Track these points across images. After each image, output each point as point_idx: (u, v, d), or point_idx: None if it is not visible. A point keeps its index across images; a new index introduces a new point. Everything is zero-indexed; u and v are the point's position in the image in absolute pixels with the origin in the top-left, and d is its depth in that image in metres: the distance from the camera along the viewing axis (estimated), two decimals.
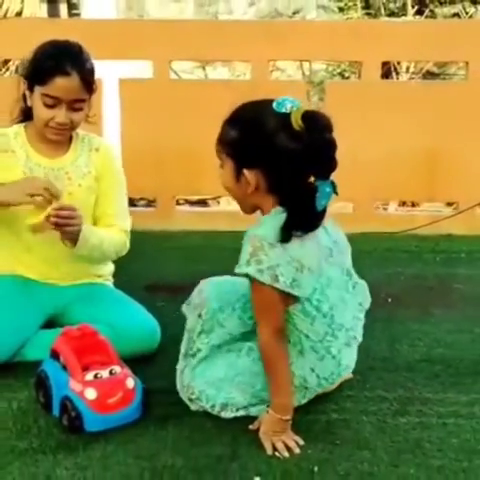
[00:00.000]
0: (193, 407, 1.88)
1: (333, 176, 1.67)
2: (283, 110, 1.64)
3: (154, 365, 2.17)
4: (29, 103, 2.18)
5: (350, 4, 7.98)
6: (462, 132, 3.88)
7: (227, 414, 1.85)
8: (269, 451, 1.71)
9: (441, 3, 7.75)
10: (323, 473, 1.64)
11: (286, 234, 1.65)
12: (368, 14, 7.94)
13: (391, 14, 7.83)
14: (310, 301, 1.73)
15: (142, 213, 4.12)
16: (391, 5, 7.90)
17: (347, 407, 1.96)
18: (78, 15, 7.66)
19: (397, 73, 6.94)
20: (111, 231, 2.30)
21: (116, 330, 2.10)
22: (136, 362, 2.04)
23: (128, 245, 2.38)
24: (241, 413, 1.85)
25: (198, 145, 3.82)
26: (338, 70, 7.69)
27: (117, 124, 3.94)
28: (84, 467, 1.65)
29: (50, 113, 2.12)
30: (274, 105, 1.66)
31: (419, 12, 7.66)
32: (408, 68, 7.05)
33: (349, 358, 1.89)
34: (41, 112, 2.13)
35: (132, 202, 3.99)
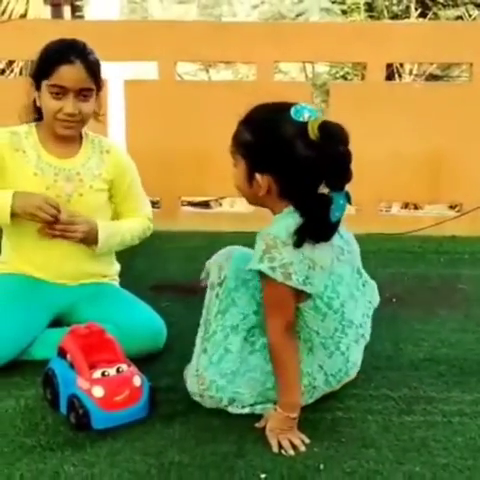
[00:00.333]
0: (203, 403, 1.88)
1: None
2: (301, 119, 1.64)
3: (160, 363, 2.18)
4: (38, 103, 2.20)
5: (353, 7, 7.99)
6: (466, 134, 3.89)
7: (233, 409, 1.86)
8: (275, 449, 1.72)
9: (444, 6, 7.76)
10: (329, 471, 1.65)
11: (299, 240, 1.65)
12: (371, 17, 7.96)
13: (394, 17, 7.84)
14: (321, 298, 1.74)
15: None
16: (394, 8, 7.92)
17: (352, 406, 1.97)
18: (81, 17, 7.67)
19: (400, 75, 6.95)
20: (133, 221, 2.38)
21: (122, 329, 2.11)
22: (142, 361, 2.05)
23: (152, 227, 2.47)
24: (246, 411, 1.86)
25: (203, 146, 3.85)
26: (341, 72, 7.70)
27: (122, 125, 3.96)
28: (91, 464, 1.66)
29: (58, 104, 2.14)
30: (292, 112, 1.65)
31: (422, 15, 7.67)
32: (411, 70, 7.06)
33: (357, 356, 1.91)
34: (49, 104, 2.15)
35: None
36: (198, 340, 1.93)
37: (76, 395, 1.80)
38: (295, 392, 1.77)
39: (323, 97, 6.51)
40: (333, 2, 8.05)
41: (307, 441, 1.76)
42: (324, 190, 1.67)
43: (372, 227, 3.82)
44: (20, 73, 6.32)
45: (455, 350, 2.37)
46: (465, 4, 7.65)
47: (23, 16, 6.69)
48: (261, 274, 1.69)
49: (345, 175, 1.65)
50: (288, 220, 1.68)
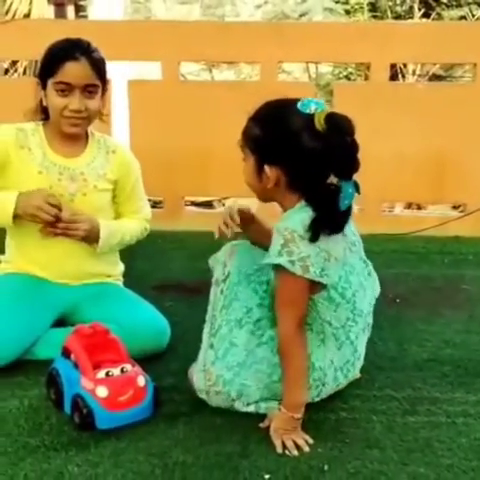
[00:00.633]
0: (209, 401, 1.88)
1: None
2: (307, 111, 1.68)
3: (164, 363, 2.19)
4: (45, 103, 2.20)
5: (357, 7, 7.99)
6: (470, 134, 3.88)
7: (239, 406, 1.86)
8: (279, 449, 1.72)
9: (448, 6, 7.76)
10: (333, 471, 1.65)
11: (315, 233, 1.68)
12: (374, 17, 7.95)
13: (397, 17, 7.84)
14: (336, 288, 1.77)
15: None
16: (398, 8, 7.91)
17: (356, 406, 1.96)
18: (85, 17, 7.68)
19: (403, 76, 6.94)
20: (132, 222, 2.39)
21: (126, 329, 2.11)
22: (146, 360, 2.05)
23: (149, 228, 2.49)
24: (251, 409, 1.86)
25: (206, 146, 3.85)
26: (344, 73, 7.70)
27: (126, 125, 3.96)
28: (95, 464, 1.66)
29: (64, 101, 2.14)
30: (299, 105, 1.70)
31: (425, 15, 7.66)
32: (414, 71, 7.06)
33: (362, 345, 1.93)
34: (55, 102, 2.15)
35: None
36: (204, 336, 1.94)
37: (80, 395, 1.80)
38: (301, 391, 1.77)
39: (327, 97, 6.51)
40: (336, 2, 8.05)
41: (311, 441, 1.76)
42: (333, 180, 1.70)
43: (375, 227, 3.81)
44: (24, 73, 6.33)
45: (459, 351, 2.36)
46: (468, 4, 7.64)
47: (27, 16, 6.70)
48: (278, 268, 1.70)
49: (353, 164, 1.69)
50: (302, 214, 1.71)
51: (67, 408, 1.85)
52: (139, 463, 1.67)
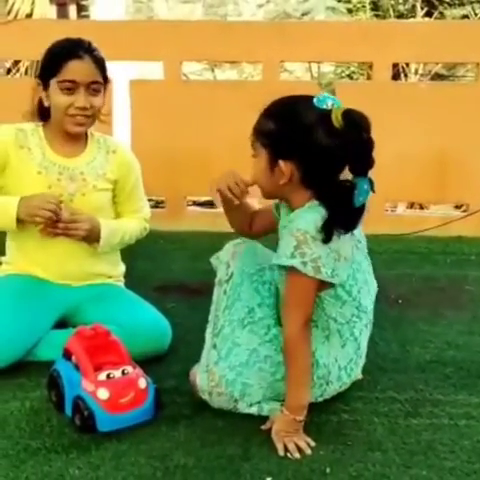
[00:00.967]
0: (210, 402, 1.87)
1: None
2: (324, 106, 1.68)
3: (165, 365, 2.18)
4: (46, 104, 2.19)
5: (359, 6, 7.97)
6: (472, 134, 3.87)
7: (242, 407, 1.85)
8: (281, 452, 1.71)
9: (450, 5, 7.74)
10: (335, 474, 1.64)
11: (327, 235, 1.68)
12: (377, 16, 7.94)
13: (400, 16, 7.82)
14: (343, 286, 1.78)
15: (152, 213, 4.12)
16: (400, 7, 7.90)
17: (358, 408, 1.96)
18: (87, 17, 7.68)
19: (405, 75, 6.93)
20: (132, 221, 2.39)
21: (127, 330, 2.10)
22: (147, 362, 2.05)
23: (148, 228, 2.48)
24: (253, 410, 1.86)
25: (209, 145, 3.84)
26: (347, 72, 7.69)
27: (128, 125, 3.95)
28: (96, 466, 1.65)
29: (69, 99, 2.14)
30: (315, 101, 1.70)
31: (428, 14, 7.65)
32: (417, 70, 7.04)
33: (365, 342, 1.92)
34: (60, 101, 2.14)
35: None
36: (207, 336, 1.94)
37: (81, 397, 1.79)
38: (304, 393, 1.76)
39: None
40: (339, 1, 8.04)
41: (313, 444, 1.75)
42: (347, 176, 1.71)
43: (377, 227, 3.79)
44: (26, 73, 6.33)
45: (462, 352, 2.35)
46: (471, 3, 7.62)
47: (29, 16, 6.70)
48: (289, 270, 1.70)
49: (368, 161, 1.69)
50: (314, 214, 1.70)
51: (68, 410, 1.85)
52: (140, 466, 1.66)
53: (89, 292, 2.32)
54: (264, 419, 1.84)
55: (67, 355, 1.90)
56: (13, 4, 6.67)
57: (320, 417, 1.88)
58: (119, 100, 3.85)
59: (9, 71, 6.25)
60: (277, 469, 1.66)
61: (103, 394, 1.78)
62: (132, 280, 2.54)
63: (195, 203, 4.99)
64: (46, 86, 2.17)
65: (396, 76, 6.04)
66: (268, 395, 1.86)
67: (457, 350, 2.37)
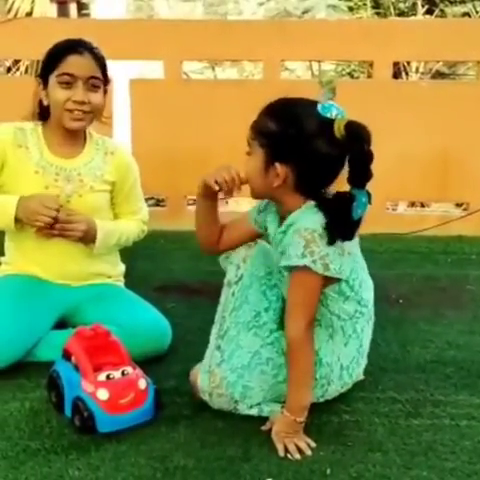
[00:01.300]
0: (211, 403, 1.87)
1: None
2: (328, 115, 1.67)
3: (165, 366, 2.17)
4: (45, 103, 2.19)
5: (360, 4, 7.97)
6: (474, 132, 3.86)
7: (242, 408, 1.85)
8: (281, 453, 1.71)
9: (451, 2, 7.73)
10: (335, 475, 1.64)
11: (331, 237, 1.68)
12: (378, 13, 7.93)
13: (401, 13, 7.81)
14: (347, 281, 1.78)
15: (152, 212, 4.12)
16: (401, 4, 7.89)
17: (359, 408, 1.95)
18: (88, 15, 7.67)
19: (407, 73, 6.92)
20: (129, 223, 2.38)
21: (127, 330, 2.09)
22: (147, 363, 2.04)
23: (146, 230, 2.47)
24: (254, 412, 1.85)
25: (209, 144, 3.83)
26: (347, 70, 7.68)
27: (128, 124, 3.95)
28: (96, 467, 1.65)
29: (67, 93, 2.13)
30: (319, 108, 1.69)
31: (429, 11, 7.63)
32: (417, 68, 7.03)
33: (367, 339, 1.92)
34: (58, 95, 2.14)
35: None
36: (212, 337, 1.93)
37: (81, 398, 1.79)
38: (305, 394, 1.76)
39: (329, 94, 6.48)
40: None
41: (313, 445, 1.75)
42: (346, 188, 1.71)
43: (378, 226, 3.79)
44: (26, 72, 6.32)
45: (463, 352, 2.35)
46: (472, 0, 7.61)
47: (29, 14, 6.69)
48: (298, 269, 1.69)
49: (367, 174, 1.69)
50: (317, 214, 1.71)
51: (68, 411, 1.84)
52: (140, 467, 1.66)
53: (89, 292, 2.31)
54: (264, 420, 1.83)
55: (67, 356, 1.89)
56: (13, 3, 6.66)
57: (320, 418, 1.87)
58: (119, 99, 3.84)
59: (9, 70, 6.25)
60: (277, 470, 1.65)
61: (103, 395, 1.77)
62: (132, 280, 2.54)
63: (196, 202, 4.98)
64: (46, 84, 2.17)
65: (397, 74, 6.04)
66: (269, 397, 1.86)
67: (458, 350, 2.36)
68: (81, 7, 7.73)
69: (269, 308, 1.87)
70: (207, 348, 1.93)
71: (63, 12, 7.29)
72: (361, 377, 2.00)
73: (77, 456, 1.69)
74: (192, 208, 4.48)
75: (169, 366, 2.17)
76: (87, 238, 2.22)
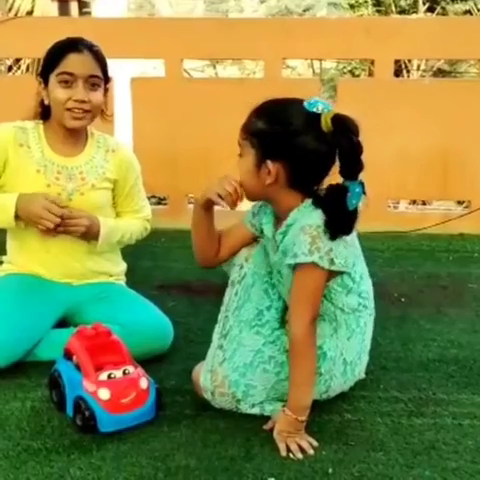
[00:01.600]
0: (212, 402, 1.87)
1: None
2: (314, 110, 1.70)
3: (166, 365, 2.17)
4: (46, 101, 2.19)
5: (361, 1, 7.96)
6: (475, 130, 3.85)
7: (244, 407, 1.85)
8: (283, 452, 1.70)
9: (452, 0, 7.72)
10: (337, 474, 1.63)
11: (332, 233, 1.70)
12: (379, 11, 7.93)
13: (402, 11, 7.81)
14: (349, 273, 1.79)
15: (154, 211, 4.11)
16: (402, 2, 7.88)
17: (361, 407, 1.95)
18: (89, 14, 7.66)
19: (408, 71, 6.92)
20: (132, 221, 2.38)
21: (128, 329, 2.09)
22: (149, 362, 2.04)
23: (149, 228, 2.47)
24: (256, 410, 1.85)
25: (211, 143, 3.83)
26: (349, 68, 7.68)
27: (129, 123, 3.94)
28: (98, 467, 1.64)
29: (68, 92, 2.13)
30: (305, 104, 1.71)
31: (430, 9, 7.63)
32: (419, 66, 7.03)
33: (369, 334, 1.92)
34: (58, 94, 2.14)
35: None
36: (215, 336, 1.93)
37: (82, 397, 1.78)
38: (307, 393, 1.75)
39: (330, 92, 6.49)
40: None
41: (315, 444, 1.74)
42: (339, 180, 1.71)
43: (380, 224, 3.79)
44: (27, 70, 6.32)
45: (465, 351, 2.34)
46: None
47: (30, 13, 6.68)
48: (304, 266, 1.70)
49: (358, 164, 1.69)
50: (317, 211, 1.72)
51: (69, 410, 1.84)
52: (142, 466, 1.65)
53: (90, 291, 2.31)
54: (266, 419, 1.83)
55: (68, 355, 1.89)
56: (14, 1, 6.65)
57: (322, 417, 1.87)
58: (120, 98, 3.84)
59: (10, 69, 6.24)
60: (279, 469, 1.64)
61: (104, 394, 1.77)
62: (134, 278, 2.53)
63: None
64: (46, 83, 2.17)
65: (398, 72, 6.04)
66: (271, 396, 1.86)
67: (460, 348, 2.36)
68: (82, 5, 7.71)
69: (271, 307, 1.88)
70: (209, 347, 1.92)
71: (64, 11, 7.28)
72: (363, 376, 2.00)
73: (78, 456, 1.69)
74: (193, 206, 4.48)
75: (170, 365, 2.17)
76: (90, 234, 2.22)
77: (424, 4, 7.65)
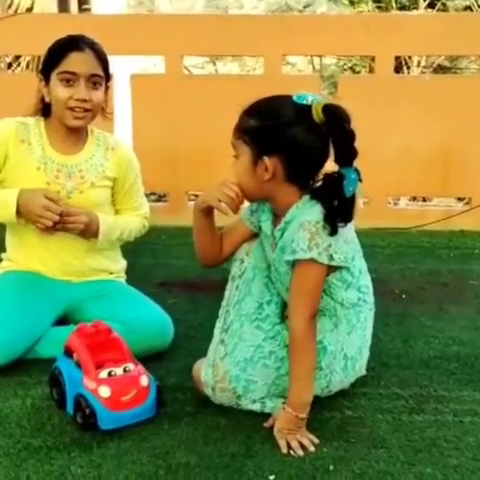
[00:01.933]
0: (213, 398, 1.87)
1: None
2: (304, 102, 1.71)
3: (167, 362, 2.17)
4: (47, 99, 2.18)
5: None
6: (476, 127, 3.85)
7: (245, 403, 1.85)
8: (284, 449, 1.70)
9: None
10: (338, 472, 1.63)
11: (333, 227, 1.70)
12: (379, 7, 7.90)
13: (402, 7, 7.79)
14: (348, 268, 1.80)
15: (154, 208, 4.11)
16: None
17: (362, 404, 1.94)
18: (88, 10, 7.64)
19: (408, 67, 6.90)
20: (131, 218, 2.38)
21: (129, 327, 2.09)
22: (149, 359, 2.04)
23: (147, 225, 2.46)
24: (256, 407, 1.85)
25: (211, 140, 3.82)
26: (349, 64, 7.66)
27: (129, 120, 3.94)
28: (98, 465, 1.64)
29: (69, 91, 2.12)
30: (294, 97, 1.72)
31: (430, 5, 7.61)
32: (419, 62, 7.02)
33: (370, 329, 1.93)
34: (60, 93, 2.13)
35: None
36: (216, 331, 1.93)
37: (83, 395, 1.78)
38: (307, 390, 1.75)
39: (330, 89, 6.48)
40: None
41: (316, 441, 1.74)
42: (334, 169, 1.72)
43: (380, 221, 3.79)
44: (27, 67, 6.31)
45: (466, 348, 2.34)
46: None
47: (29, 10, 6.67)
48: (304, 262, 1.70)
49: (352, 151, 1.70)
50: (316, 206, 1.72)
51: (69, 408, 1.84)
52: (142, 464, 1.65)
53: (90, 288, 2.30)
54: (267, 416, 1.83)
55: (68, 353, 1.89)
56: None
57: (323, 414, 1.86)
58: (120, 95, 3.83)
59: (10, 66, 6.23)
60: (280, 467, 1.64)
61: (105, 392, 1.76)
62: (133, 276, 2.53)
63: (197, 197, 4.98)
64: (47, 81, 2.16)
65: (399, 68, 6.03)
66: (272, 391, 1.86)
67: (461, 345, 2.36)
68: (82, 2, 7.69)
69: (271, 301, 1.88)
70: (211, 343, 1.92)
71: (64, 7, 7.25)
72: (364, 372, 1.99)
73: (79, 453, 1.68)
74: (193, 203, 4.48)
75: (171, 362, 2.16)
76: (89, 231, 2.21)
77: (424, 0, 7.63)
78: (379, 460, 1.67)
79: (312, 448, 1.71)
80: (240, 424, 1.82)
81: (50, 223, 2.11)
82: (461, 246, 3.59)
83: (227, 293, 1.94)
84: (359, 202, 4.11)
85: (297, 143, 1.71)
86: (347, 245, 1.76)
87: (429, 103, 3.83)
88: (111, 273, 2.40)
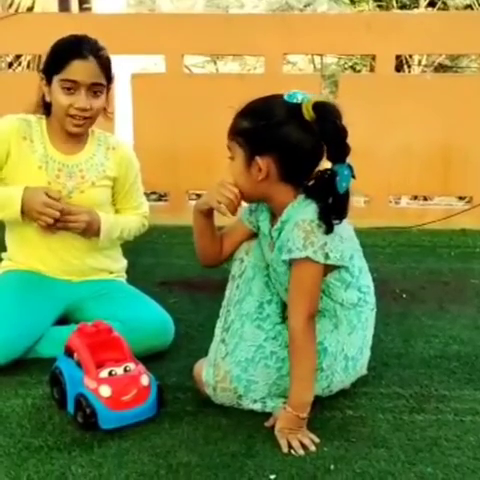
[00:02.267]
0: (214, 397, 1.87)
1: None
2: (294, 100, 1.71)
3: (168, 361, 2.17)
4: (48, 99, 2.18)
5: None
6: (476, 125, 3.84)
7: (245, 403, 1.85)
8: (284, 449, 1.70)
9: None
10: (339, 471, 1.63)
11: (328, 225, 1.70)
12: (379, 6, 7.90)
13: (403, 6, 7.78)
14: (347, 268, 1.80)
15: (154, 207, 4.11)
16: None
17: (362, 404, 1.94)
18: (89, 9, 7.64)
19: (409, 66, 6.90)
20: (131, 218, 2.38)
21: (129, 326, 2.09)
22: (150, 359, 2.04)
23: (147, 225, 2.46)
24: (257, 407, 1.85)
25: (211, 139, 3.79)
26: (350, 63, 7.66)
27: (129, 119, 3.94)
28: (99, 464, 1.64)
29: (70, 99, 2.12)
30: (285, 97, 1.73)
31: (431, 4, 7.60)
32: (420, 61, 7.01)
33: (371, 329, 1.92)
34: (61, 100, 2.13)
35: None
36: (217, 331, 1.93)
37: (83, 394, 1.78)
38: (308, 390, 1.75)
39: (331, 88, 6.48)
40: None
41: (317, 441, 1.74)
42: (326, 166, 1.73)
43: (381, 220, 3.79)
44: (27, 66, 6.31)
45: (467, 347, 2.34)
46: None
47: (30, 9, 6.67)
48: (300, 261, 1.70)
49: (344, 148, 1.70)
50: (311, 205, 1.73)
51: (70, 408, 1.84)
52: (143, 463, 1.65)
53: (90, 288, 2.30)
54: (268, 415, 1.83)
55: (69, 352, 1.88)
56: None
57: (324, 413, 1.86)
58: (121, 94, 3.83)
59: (11, 65, 6.23)
60: (281, 466, 1.64)
61: (105, 391, 1.76)
62: (134, 275, 2.53)
63: (198, 197, 4.98)
64: (49, 81, 2.16)
65: (399, 67, 6.02)
66: (273, 391, 1.86)
67: (462, 345, 2.36)
68: (82, 1, 7.69)
69: (272, 301, 1.88)
70: (212, 342, 1.92)
71: (64, 7, 7.25)
72: (365, 372, 1.99)
73: (80, 453, 1.68)
74: (194, 203, 4.48)
75: (172, 362, 2.16)
76: (91, 230, 2.21)
77: None
78: (380, 459, 1.67)
79: (313, 447, 1.71)
80: (241, 424, 1.82)
81: (51, 220, 2.11)
82: (462, 245, 3.59)
83: (228, 292, 1.94)
84: (359, 200, 4.12)
85: (289, 142, 1.72)
86: (343, 243, 1.76)
87: (430, 102, 3.83)
88: (111, 272, 2.40)
